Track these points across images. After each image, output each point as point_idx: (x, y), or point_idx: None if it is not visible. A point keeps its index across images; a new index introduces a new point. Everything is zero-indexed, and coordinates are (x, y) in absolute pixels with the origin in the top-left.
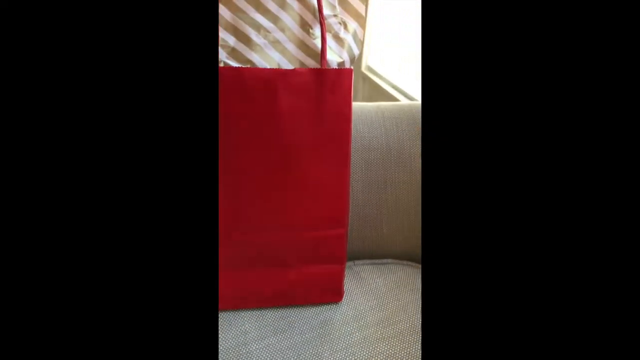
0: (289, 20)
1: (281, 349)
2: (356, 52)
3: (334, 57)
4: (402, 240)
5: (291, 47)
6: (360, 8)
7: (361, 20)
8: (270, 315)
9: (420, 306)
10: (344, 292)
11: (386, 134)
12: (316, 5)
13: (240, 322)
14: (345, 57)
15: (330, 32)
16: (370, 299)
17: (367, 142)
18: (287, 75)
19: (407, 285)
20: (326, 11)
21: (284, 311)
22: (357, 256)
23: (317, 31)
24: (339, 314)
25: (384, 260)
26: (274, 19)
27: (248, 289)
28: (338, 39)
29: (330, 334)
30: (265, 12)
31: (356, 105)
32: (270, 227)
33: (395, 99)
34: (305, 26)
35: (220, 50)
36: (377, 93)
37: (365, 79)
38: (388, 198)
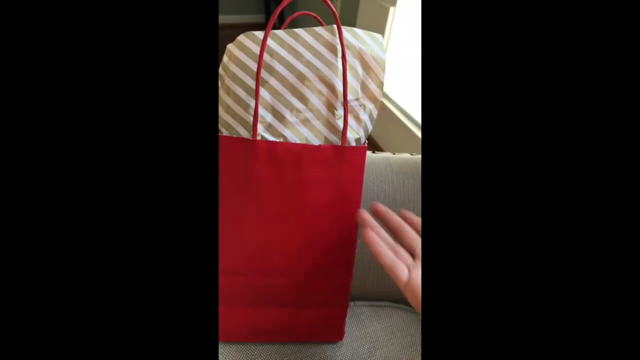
0: (318, 103)
1: None
2: (370, 128)
3: (353, 134)
4: None
5: (318, 125)
6: (378, 93)
7: (377, 102)
8: (280, 351)
9: (412, 352)
10: (344, 332)
11: (393, 188)
12: (342, 92)
13: (252, 355)
14: (362, 134)
15: (351, 113)
16: (367, 342)
17: (375, 195)
18: (312, 150)
19: (401, 331)
20: (350, 96)
21: (292, 348)
22: (358, 297)
23: (340, 112)
24: (339, 355)
25: (382, 303)
26: (305, 102)
27: (264, 324)
28: (357, 119)
29: None
30: (299, 95)
31: (367, 157)
32: (286, 274)
33: (404, 125)
34: (331, 108)
35: (259, 125)
36: (387, 116)
37: (387, 112)
38: None
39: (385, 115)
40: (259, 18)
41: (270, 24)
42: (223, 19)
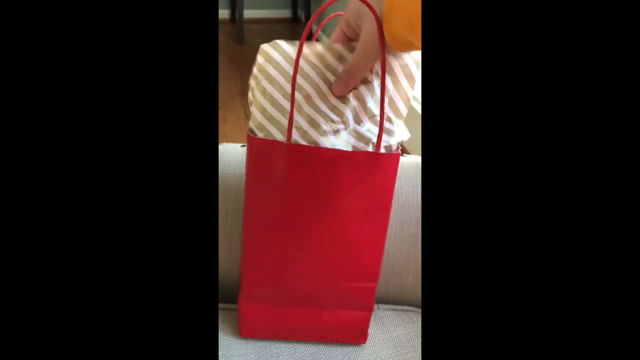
0: (350, 116)
1: None
2: (402, 138)
3: (382, 142)
4: None
5: (345, 135)
6: (403, 109)
7: (402, 118)
8: (303, 350)
9: None
10: (368, 335)
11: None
12: (370, 108)
13: (275, 353)
14: (393, 142)
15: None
16: (390, 347)
17: (404, 199)
18: (346, 155)
19: None
20: (376, 111)
21: (314, 348)
22: (381, 300)
23: (367, 125)
24: (362, 358)
25: (406, 308)
26: (340, 115)
27: (288, 323)
28: (387, 130)
29: None
30: (334, 108)
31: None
32: (314, 275)
33: None
34: (358, 121)
35: (294, 131)
36: (416, 119)
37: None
38: (417, 252)
39: (414, 118)
40: (285, 13)
41: (307, 30)
42: (248, 13)
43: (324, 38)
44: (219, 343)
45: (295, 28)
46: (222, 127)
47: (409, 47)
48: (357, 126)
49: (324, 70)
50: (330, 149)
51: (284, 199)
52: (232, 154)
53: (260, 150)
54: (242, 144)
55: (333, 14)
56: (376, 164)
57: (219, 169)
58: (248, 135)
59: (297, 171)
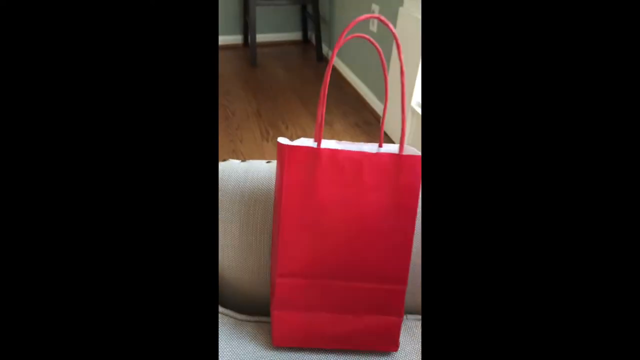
0: None
1: None
2: None
3: None
4: None
5: None
6: None
7: None
8: None
9: None
10: (399, 343)
11: None
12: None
13: None
14: None
15: None
16: (421, 357)
17: None
18: (371, 157)
19: None
20: None
21: (346, 358)
22: (409, 310)
23: None
24: None
25: None
26: None
27: (319, 329)
28: None
29: None
30: None
31: None
32: (344, 277)
33: None
34: None
35: None
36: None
37: (414, 113)
38: None
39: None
40: (296, 35)
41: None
42: (261, 37)
43: (340, 62)
44: (253, 355)
45: (305, 49)
46: (239, 147)
47: None
48: None
49: None
50: (355, 151)
51: (315, 202)
52: (258, 170)
53: (292, 156)
54: (267, 160)
55: (348, 36)
56: (400, 166)
57: (246, 185)
58: (278, 144)
59: (327, 174)
